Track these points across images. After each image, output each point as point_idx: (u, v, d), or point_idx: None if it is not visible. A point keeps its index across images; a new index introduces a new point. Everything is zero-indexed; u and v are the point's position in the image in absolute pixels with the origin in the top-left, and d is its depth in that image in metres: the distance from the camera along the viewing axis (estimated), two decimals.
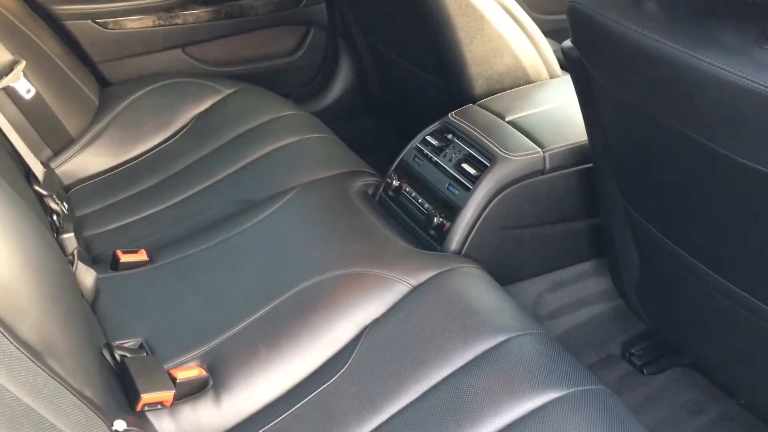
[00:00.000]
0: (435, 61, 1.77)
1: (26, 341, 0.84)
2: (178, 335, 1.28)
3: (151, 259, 1.47)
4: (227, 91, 2.00)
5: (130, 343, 1.25)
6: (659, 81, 1.01)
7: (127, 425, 1.02)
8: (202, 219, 1.60)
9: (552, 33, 1.89)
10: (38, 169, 1.54)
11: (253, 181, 1.69)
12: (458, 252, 1.49)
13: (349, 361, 1.20)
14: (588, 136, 1.39)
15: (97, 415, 0.95)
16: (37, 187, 1.50)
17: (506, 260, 1.57)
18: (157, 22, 2.11)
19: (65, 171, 1.79)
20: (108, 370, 1.16)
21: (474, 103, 1.69)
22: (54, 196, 1.51)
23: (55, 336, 0.91)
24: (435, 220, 1.52)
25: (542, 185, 1.52)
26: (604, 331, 1.70)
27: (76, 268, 1.36)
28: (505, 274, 1.49)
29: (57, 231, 1.46)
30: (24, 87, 1.69)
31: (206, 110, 1.95)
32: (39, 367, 0.85)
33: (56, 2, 1.99)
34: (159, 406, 1.14)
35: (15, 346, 0.81)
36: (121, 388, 1.14)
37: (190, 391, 1.17)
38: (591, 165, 1.48)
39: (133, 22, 2.08)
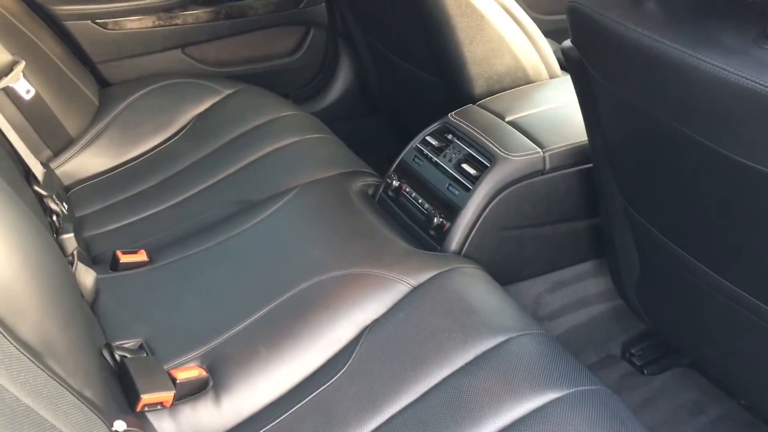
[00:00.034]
0: (435, 62, 1.77)
1: (26, 342, 0.84)
2: (178, 335, 1.28)
3: (151, 259, 1.46)
4: (227, 92, 2.00)
5: (130, 343, 1.25)
6: (659, 81, 1.01)
7: (127, 426, 1.02)
8: (201, 219, 1.60)
9: (552, 33, 1.89)
10: (38, 170, 1.54)
11: (253, 181, 1.69)
12: (458, 252, 1.49)
13: (349, 362, 1.20)
14: (588, 136, 1.39)
15: (96, 415, 0.95)
16: (36, 188, 1.50)
17: (506, 260, 1.57)
18: (156, 23, 2.11)
19: (65, 171, 1.79)
20: (108, 371, 1.16)
21: (474, 103, 1.69)
22: (54, 197, 1.51)
23: (54, 336, 0.91)
24: (435, 220, 1.52)
25: (542, 185, 1.52)
26: (604, 332, 1.70)
27: (75, 268, 1.36)
28: (505, 275, 1.49)
29: (57, 231, 1.46)
30: (23, 87, 1.69)
31: (206, 110, 1.95)
32: (39, 367, 0.85)
33: (56, 2, 1.99)
34: (159, 407, 1.14)
35: (15, 346, 0.81)
36: (121, 388, 1.14)
37: (190, 392, 1.17)
38: (591, 165, 1.48)
39: (133, 23, 2.08)
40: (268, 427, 1.13)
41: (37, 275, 0.92)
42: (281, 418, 1.14)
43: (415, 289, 1.31)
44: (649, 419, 1.51)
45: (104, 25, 2.05)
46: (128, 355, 1.20)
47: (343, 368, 1.19)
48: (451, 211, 1.50)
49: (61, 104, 1.81)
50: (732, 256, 1.15)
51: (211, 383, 1.19)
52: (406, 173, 1.63)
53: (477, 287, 1.34)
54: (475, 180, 1.49)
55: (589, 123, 1.34)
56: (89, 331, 1.15)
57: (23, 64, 1.61)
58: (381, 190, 1.66)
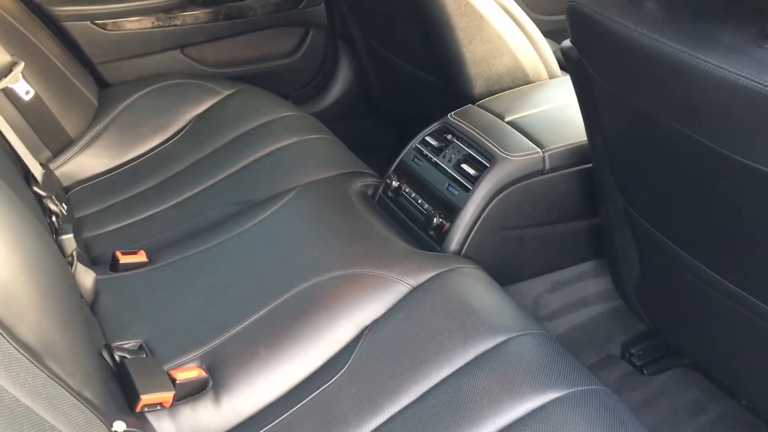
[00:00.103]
0: (434, 62, 1.77)
1: (25, 342, 0.84)
2: (177, 336, 1.28)
3: (151, 260, 1.46)
4: (226, 92, 2.00)
5: (129, 344, 1.25)
6: (658, 80, 1.01)
7: (127, 426, 1.02)
8: (201, 220, 1.60)
9: (551, 33, 1.89)
10: (37, 171, 1.54)
11: (252, 182, 1.69)
12: (458, 252, 1.49)
13: (349, 362, 1.20)
14: (587, 136, 1.38)
15: (96, 416, 0.95)
16: (36, 189, 1.50)
17: (506, 261, 1.57)
18: (156, 24, 2.11)
19: (64, 172, 1.79)
20: (107, 371, 1.16)
21: (473, 103, 1.69)
22: (53, 198, 1.51)
23: (54, 337, 0.91)
24: (434, 220, 1.52)
25: (542, 185, 1.52)
26: (604, 332, 1.70)
27: (75, 269, 1.36)
28: (504, 275, 1.49)
29: (56, 232, 1.46)
30: (23, 88, 1.69)
31: (205, 111, 1.95)
32: (38, 368, 0.85)
33: (55, 3, 1.99)
34: (158, 407, 1.14)
35: (14, 347, 0.81)
36: (120, 389, 1.14)
37: (190, 392, 1.17)
38: (590, 165, 1.48)
39: (132, 23, 2.08)
40: (267, 428, 1.13)
41: (36, 276, 0.92)
42: (281, 418, 1.14)
43: (414, 290, 1.31)
44: (649, 419, 1.51)
45: (103, 26, 2.05)
46: (128, 356, 1.20)
47: (342, 368, 1.19)
48: (451, 212, 1.50)
49: (61, 105, 1.81)
50: (732, 256, 1.14)
51: (210, 384, 1.19)
52: (405, 173, 1.63)
53: (477, 287, 1.33)
54: (474, 180, 1.49)
55: (589, 123, 1.34)
56: (89, 331, 1.15)
57: (22, 64, 1.61)
58: (380, 190, 1.66)
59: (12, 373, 0.79)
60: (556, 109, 1.63)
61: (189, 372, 1.19)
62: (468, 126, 1.59)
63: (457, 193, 1.51)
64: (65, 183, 1.78)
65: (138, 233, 1.59)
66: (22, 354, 0.82)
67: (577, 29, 1.17)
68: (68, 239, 1.46)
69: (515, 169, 1.48)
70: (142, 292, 1.39)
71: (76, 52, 2.04)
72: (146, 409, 1.13)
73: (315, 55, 2.36)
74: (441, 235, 1.50)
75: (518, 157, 1.49)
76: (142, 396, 1.11)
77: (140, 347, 1.25)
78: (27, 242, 0.94)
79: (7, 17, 1.78)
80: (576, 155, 1.52)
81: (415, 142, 1.66)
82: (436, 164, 1.58)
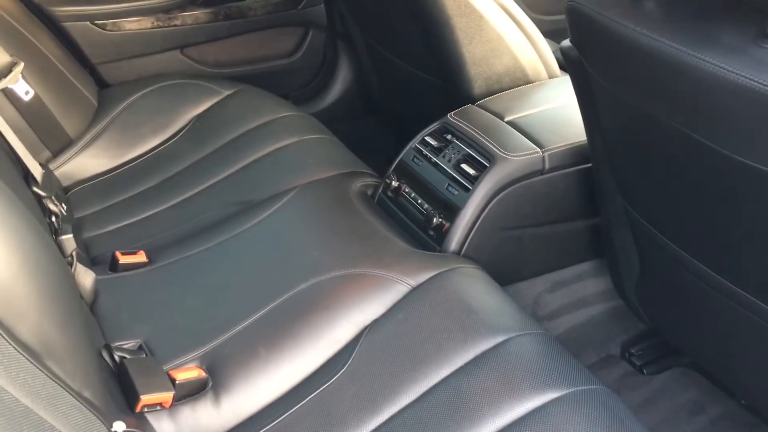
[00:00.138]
0: (434, 62, 1.77)
1: (25, 342, 0.84)
2: (177, 336, 1.28)
3: (150, 260, 1.46)
4: (226, 93, 2.00)
5: (129, 344, 1.25)
6: (658, 80, 1.01)
7: (127, 426, 1.02)
8: (201, 220, 1.60)
9: (551, 33, 1.89)
10: (37, 171, 1.54)
11: (252, 182, 1.69)
12: (457, 252, 1.49)
13: (349, 362, 1.20)
14: (587, 136, 1.38)
15: (96, 416, 0.95)
16: (35, 189, 1.50)
17: (506, 260, 1.57)
18: (155, 24, 2.11)
19: (64, 172, 1.79)
20: (107, 372, 1.16)
21: (473, 103, 1.69)
22: (53, 198, 1.51)
23: (53, 337, 0.91)
24: (434, 220, 1.51)
25: (541, 185, 1.52)
26: (603, 332, 1.70)
27: (75, 269, 1.36)
28: (504, 275, 1.49)
29: (56, 232, 1.46)
30: (22, 89, 1.69)
31: (205, 111, 1.95)
32: (38, 368, 0.85)
33: (55, 3, 1.99)
34: (158, 408, 1.14)
35: (14, 347, 0.81)
36: (120, 389, 1.14)
37: (190, 392, 1.17)
38: (590, 165, 1.48)
39: (132, 24, 2.08)
40: (267, 428, 1.13)
41: (36, 276, 0.92)
42: (281, 418, 1.14)
43: (414, 290, 1.31)
44: (649, 419, 1.51)
45: (103, 26, 2.05)
46: (127, 356, 1.20)
47: (342, 368, 1.19)
48: (451, 212, 1.50)
49: (60, 105, 1.81)
50: (732, 256, 1.14)
51: (210, 384, 1.19)
52: (405, 173, 1.63)
53: (476, 287, 1.33)
54: (474, 180, 1.49)
55: (589, 123, 1.34)
56: (88, 331, 1.15)
57: (22, 65, 1.61)
58: (380, 190, 1.66)
59: (12, 373, 0.79)
60: (556, 109, 1.63)
61: (189, 372, 1.19)
62: (468, 126, 1.59)
63: (456, 193, 1.50)
64: (65, 183, 1.77)
65: (138, 233, 1.59)
66: (21, 354, 0.82)
67: (577, 29, 1.17)
68: (68, 239, 1.46)
69: (515, 169, 1.48)
70: (141, 293, 1.39)
71: (75, 52, 2.04)
72: (146, 410, 1.13)
73: (315, 55, 2.36)
74: (441, 235, 1.50)
75: (518, 157, 1.49)
76: (141, 396, 1.11)
77: (140, 347, 1.25)
78: (27, 242, 0.94)
79: (7, 17, 1.78)
80: (576, 155, 1.52)
81: (414, 142, 1.66)
82: (435, 164, 1.58)
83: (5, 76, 1.57)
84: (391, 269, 1.35)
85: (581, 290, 1.70)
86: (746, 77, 0.87)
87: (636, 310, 1.54)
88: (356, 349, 1.22)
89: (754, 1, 0.93)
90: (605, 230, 1.51)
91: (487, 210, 1.48)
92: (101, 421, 0.96)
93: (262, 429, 1.13)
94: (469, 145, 1.55)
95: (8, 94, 1.67)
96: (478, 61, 1.67)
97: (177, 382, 1.16)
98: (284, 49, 2.33)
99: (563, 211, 1.58)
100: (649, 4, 1.03)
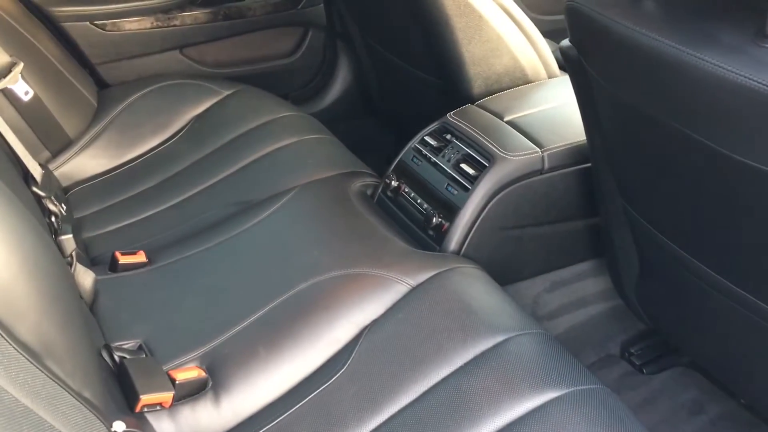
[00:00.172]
0: (433, 62, 1.77)
1: (25, 342, 0.84)
2: (177, 336, 1.28)
3: (150, 260, 1.46)
4: (226, 93, 2.00)
5: (129, 344, 1.25)
6: (658, 80, 1.01)
7: (126, 426, 1.02)
8: (200, 220, 1.60)
9: (550, 33, 1.89)
10: (36, 171, 1.54)
11: (251, 182, 1.69)
12: (457, 252, 1.49)
13: (349, 362, 1.20)
14: (587, 135, 1.39)
15: (95, 416, 0.95)
16: (35, 189, 1.50)
17: (505, 260, 1.57)
18: (155, 24, 2.11)
19: (63, 173, 1.79)
20: (107, 372, 1.16)
21: (472, 103, 1.69)
22: (52, 198, 1.51)
23: (53, 337, 0.91)
24: (434, 220, 1.52)
25: (541, 185, 1.52)
26: (603, 331, 1.70)
27: (74, 269, 1.36)
28: (504, 274, 1.49)
29: (55, 232, 1.46)
30: (22, 89, 1.69)
31: (205, 111, 1.95)
32: (37, 368, 0.85)
33: (54, 4, 1.99)
34: (158, 408, 1.14)
35: (13, 347, 0.81)
36: (120, 389, 1.14)
37: (190, 392, 1.17)
38: (590, 165, 1.48)
39: (131, 24, 2.08)
40: (267, 428, 1.13)
41: (35, 276, 0.92)
42: (280, 418, 1.14)
43: (414, 289, 1.31)
44: (649, 419, 1.51)
45: (102, 27, 2.05)
46: (127, 356, 1.20)
47: (342, 368, 1.19)
48: (450, 211, 1.50)
49: (60, 106, 1.81)
50: (732, 256, 1.14)
51: (210, 384, 1.19)
52: (404, 173, 1.63)
53: (476, 287, 1.33)
54: (473, 180, 1.49)
55: (588, 122, 1.34)
56: (88, 332, 1.15)
57: (21, 65, 1.61)
58: (380, 190, 1.66)
59: (11, 373, 0.79)
60: (555, 109, 1.63)
61: (188, 372, 1.19)
62: (467, 126, 1.59)
63: (456, 192, 1.51)
64: (64, 183, 1.78)
65: (137, 233, 1.59)
66: (21, 354, 0.82)
67: (576, 29, 1.17)
68: (67, 239, 1.46)
69: (514, 169, 1.48)
70: (141, 293, 1.39)
71: (75, 52, 2.04)
72: (146, 410, 1.13)
73: (314, 55, 2.36)
74: (440, 235, 1.50)
75: (517, 157, 1.49)
76: (141, 396, 1.11)
77: (140, 347, 1.25)
78: (26, 242, 0.94)
79: (7, 18, 1.78)
80: (575, 155, 1.52)
81: (414, 142, 1.66)
82: (435, 164, 1.58)
83: (5, 77, 1.57)
84: (391, 269, 1.35)
85: (581, 290, 1.70)
86: (745, 76, 0.87)
87: (635, 310, 1.54)
88: (356, 348, 1.22)
89: (753, 0, 0.93)
90: (605, 230, 1.51)
91: (486, 210, 1.48)
92: (101, 421, 0.96)
93: (261, 429, 1.13)
94: (469, 145, 1.55)
95: (8, 94, 1.67)
96: (478, 61, 1.67)
97: (177, 382, 1.16)
98: (284, 49, 2.33)
99: (563, 210, 1.58)
100: (648, 4, 1.03)
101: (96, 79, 2.08)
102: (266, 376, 1.21)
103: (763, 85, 0.85)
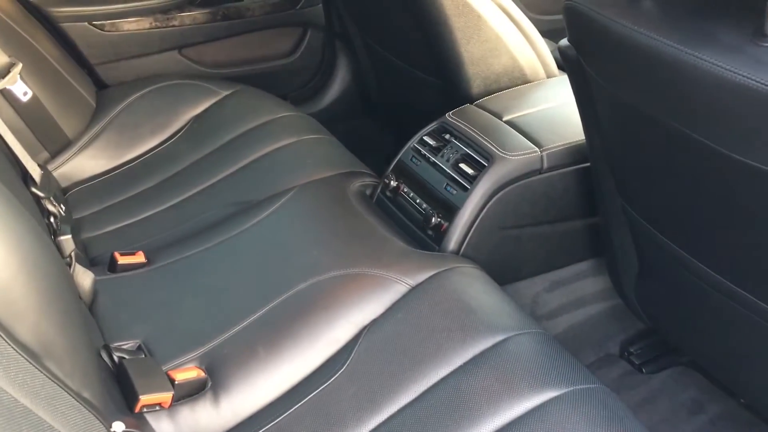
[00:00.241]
0: (432, 62, 1.77)
1: (24, 343, 0.84)
2: (176, 336, 1.28)
3: (149, 260, 1.46)
4: (224, 93, 2.00)
5: (128, 344, 1.25)
6: (656, 79, 1.01)
7: (126, 426, 1.02)
8: (200, 220, 1.60)
9: (549, 33, 1.89)
10: (35, 172, 1.54)
11: (250, 182, 1.69)
12: (456, 252, 1.49)
13: (348, 362, 1.20)
14: (585, 135, 1.39)
15: (95, 416, 0.95)
16: (34, 189, 1.50)
17: (504, 260, 1.57)
18: (153, 24, 2.10)
19: (62, 173, 1.79)
20: (106, 372, 1.16)
21: (471, 103, 1.69)
22: (51, 198, 1.51)
23: (52, 338, 0.91)
24: (433, 220, 1.52)
25: (540, 185, 1.52)
26: (602, 331, 1.70)
27: (73, 270, 1.36)
28: (503, 274, 1.49)
29: (54, 233, 1.46)
30: (21, 89, 1.69)
31: (203, 112, 1.95)
32: (37, 368, 0.85)
33: (53, 4, 1.99)
34: (157, 408, 1.14)
35: (12, 347, 0.81)
36: (119, 389, 1.14)
37: (189, 393, 1.17)
38: (589, 164, 1.48)
39: (130, 24, 2.08)
40: (266, 428, 1.13)
41: (34, 277, 0.92)
42: (280, 418, 1.14)
43: (413, 289, 1.31)
44: (648, 418, 1.51)
45: (101, 27, 2.05)
46: (126, 356, 1.20)
47: (341, 368, 1.19)
48: (449, 211, 1.50)
49: (59, 106, 1.81)
50: (731, 255, 1.15)
51: (209, 384, 1.19)
52: (403, 173, 1.63)
53: (475, 287, 1.33)
54: (472, 180, 1.49)
55: (587, 122, 1.34)
56: (87, 332, 1.15)
57: (20, 66, 1.61)
58: (379, 190, 1.66)
59: (11, 373, 0.79)
60: (554, 109, 1.63)
61: (188, 372, 1.19)
62: (466, 125, 1.59)
63: (455, 192, 1.51)
64: (63, 184, 1.77)
65: (136, 234, 1.59)
66: (20, 355, 0.82)
67: (575, 28, 1.17)
68: (66, 240, 1.45)
69: (513, 169, 1.48)
70: (140, 293, 1.39)
71: (73, 53, 2.04)
72: (145, 410, 1.13)
73: (313, 55, 2.36)
74: (439, 235, 1.50)
75: (516, 157, 1.49)
76: (141, 396, 1.11)
77: (139, 348, 1.24)
78: (25, 243, 0.94)
79: (5, 18, 1.78)
80: (574, 154, 1.52)
81: (413, 142, 1.66)
82: (434, 164, 1.58)
83: (3, 77, 1.57)
84: (390, 269, 1.35)
85: (580, 289, 1.70)
86: (744, 76, 0.87)
87: (635, 309, 1.54)
88: (355, 348, 1.22)
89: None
90: (604, 229, 1.51)
91: (485, 209, 1.48)
92: (100, 421, 0.96)
93: (261, 429, 1.13)
94: (468, 145, 1.55)
95: (6, 95, 1.67)
96: (477, 61, 1.67)
97: (176, 382, 1.16)
98: (282, 50, 2.33)
99: (562, 210, 1.58)
100: (646, 3, 1.03)
101: (95, 80, 2.08)
102: (266, 376, 1.21)
103: (762, 84, 0.85)
